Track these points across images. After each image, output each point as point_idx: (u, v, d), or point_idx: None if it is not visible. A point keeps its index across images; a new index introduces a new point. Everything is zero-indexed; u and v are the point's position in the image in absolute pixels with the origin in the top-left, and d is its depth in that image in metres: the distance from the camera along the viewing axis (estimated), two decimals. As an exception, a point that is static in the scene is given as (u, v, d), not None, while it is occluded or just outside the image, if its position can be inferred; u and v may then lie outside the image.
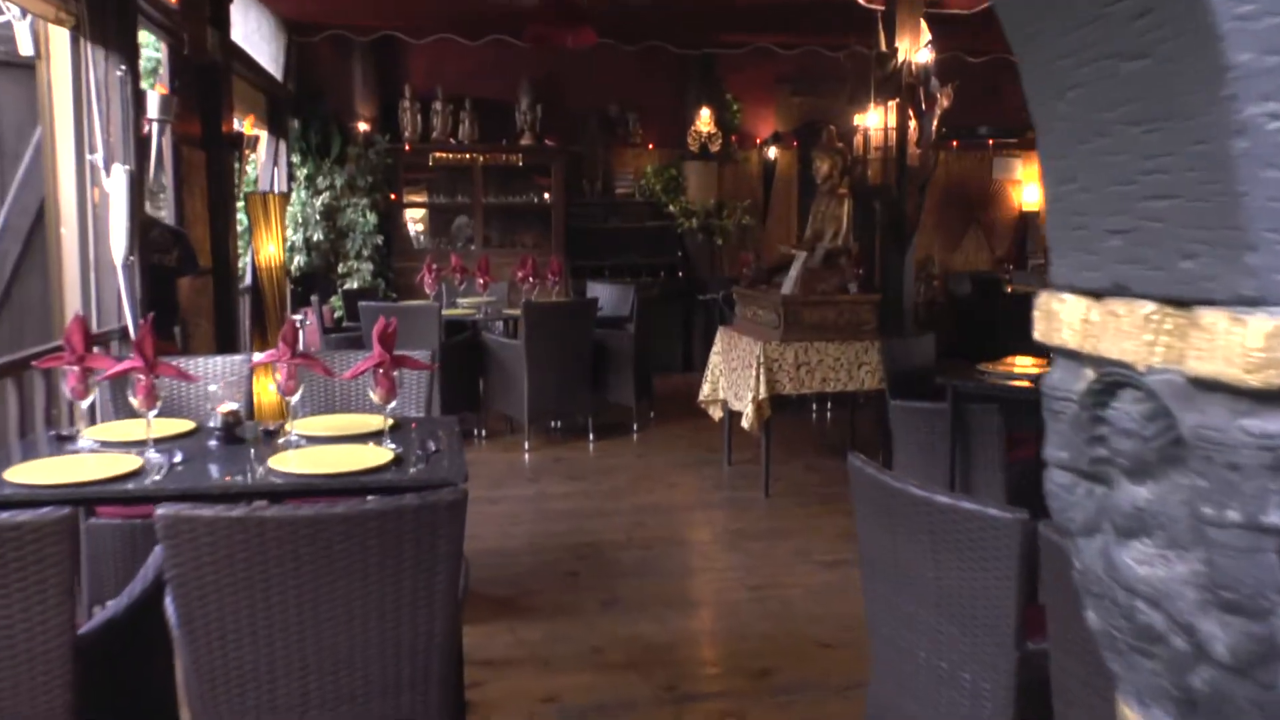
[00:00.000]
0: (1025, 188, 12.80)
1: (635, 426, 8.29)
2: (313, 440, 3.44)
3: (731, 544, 5.60)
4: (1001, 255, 12.69)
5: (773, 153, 11.78)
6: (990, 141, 12.36)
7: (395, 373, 3.28)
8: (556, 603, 4.73)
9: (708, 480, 6.95)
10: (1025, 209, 12.85)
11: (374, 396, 3.28)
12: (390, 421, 3.49)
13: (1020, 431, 5.04)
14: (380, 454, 3.17)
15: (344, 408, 4.27)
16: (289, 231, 10.00)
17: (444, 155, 10.82)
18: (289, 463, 3.07)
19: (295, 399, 3.37)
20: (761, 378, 6.22)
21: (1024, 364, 5.22)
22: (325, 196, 10.23)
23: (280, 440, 3.41)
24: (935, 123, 6.69)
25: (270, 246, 7.75)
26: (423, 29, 10.42)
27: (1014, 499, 4.92)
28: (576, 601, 4.74)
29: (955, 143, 11.62)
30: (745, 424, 6.32)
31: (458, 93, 10.79)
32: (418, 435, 3.50)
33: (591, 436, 7.97)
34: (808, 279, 6.43)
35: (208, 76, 6.53)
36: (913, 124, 6.62)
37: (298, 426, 3.56)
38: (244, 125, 7.84)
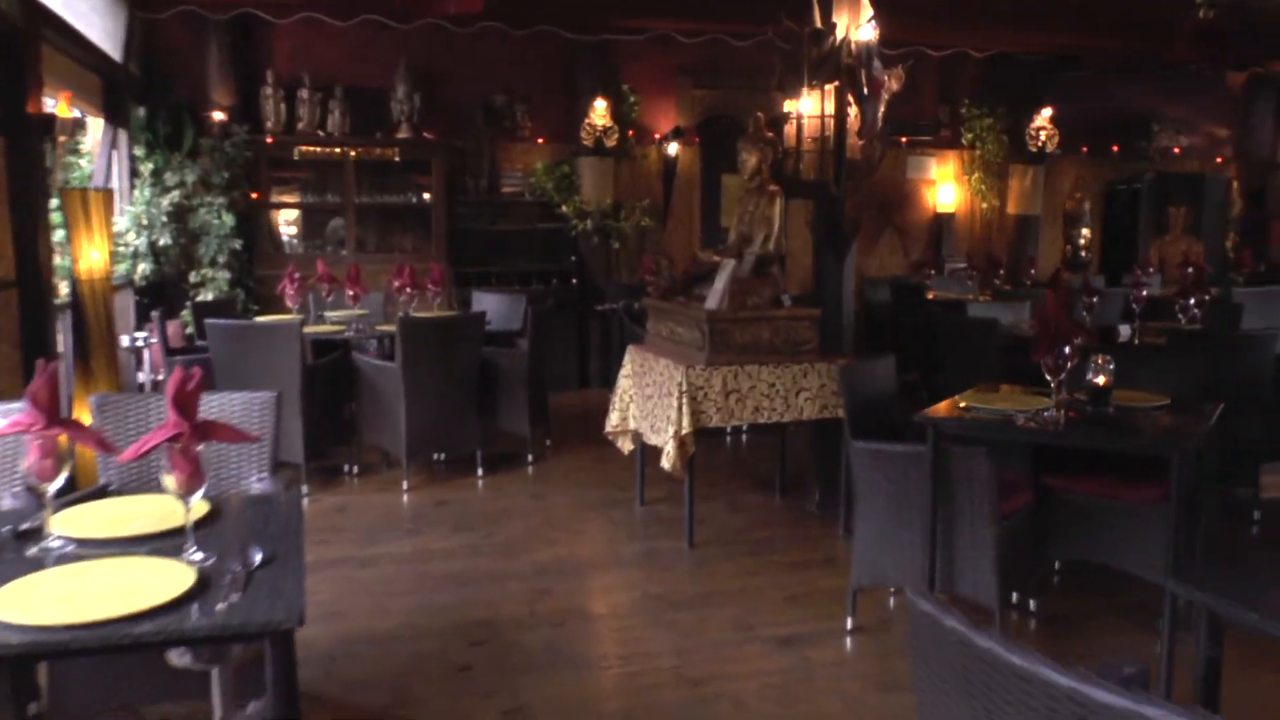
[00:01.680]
0: (940, 188, 12.13)
1: (530, 458, 7.27)
2: (85, 545, 2.36)
3: (657, 615, 4.62)
4: (917, 259, 11.99)
5: (673, 149, 10.85)
6: (903, 140, 11.63)
7: (201, 447, 2.23)
8: (445, 714, 3.70)
9: (619, 527, 5.96)
10: (940, 210, 12.18)
11: (168, 484, 2.22)
12: (200, 512, 2.43)
13: (1006, 473, 4.19)
14: (175, 576, 2.11)
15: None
16: (132, 235, 8.72)
17: (311, 149, 9.63)
18: (28, 602, 1.99)
19: (55, 486, 2.29)
20: (684, 408, 5.27)
21: (1008, 394, 4.36)
22: (175, 195, 8.95)
23: (34, 549, 2.32)
24: (881, 109, 5.84)
25: (94, 253, 6.51)
26: (287, 7, 9.22)
27: (1006, 560, 4.05)
28: (471, 712, 3.71)
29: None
30: (666, 464, 5.35)
31: (326, 79, 9.61)
32: (240, 530, 2.45)
33: (481, 472, 6.92)
34: (736, 291, 5.50)
35: (4, 44, 5.32)
36: (853, 111, 5.74)
37: (67, 522, 2.48)
38: (58, 105, 6.59)
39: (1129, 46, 10.78)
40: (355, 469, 6.98)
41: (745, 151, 5.84)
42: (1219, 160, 12.85)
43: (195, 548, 2.28)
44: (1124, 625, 4.53)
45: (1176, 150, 12.65)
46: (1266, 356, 6.08)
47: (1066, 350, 3.92)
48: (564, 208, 10.24)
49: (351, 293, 7.38)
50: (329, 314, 7.74)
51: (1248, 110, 12.71)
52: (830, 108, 5.80)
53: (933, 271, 10.91)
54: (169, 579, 2.09)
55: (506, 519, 6.03)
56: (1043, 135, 11.74)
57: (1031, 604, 4.64)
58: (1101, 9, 9.14)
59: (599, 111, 10.11)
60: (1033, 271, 10.70)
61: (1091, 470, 4.48)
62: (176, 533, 2.38)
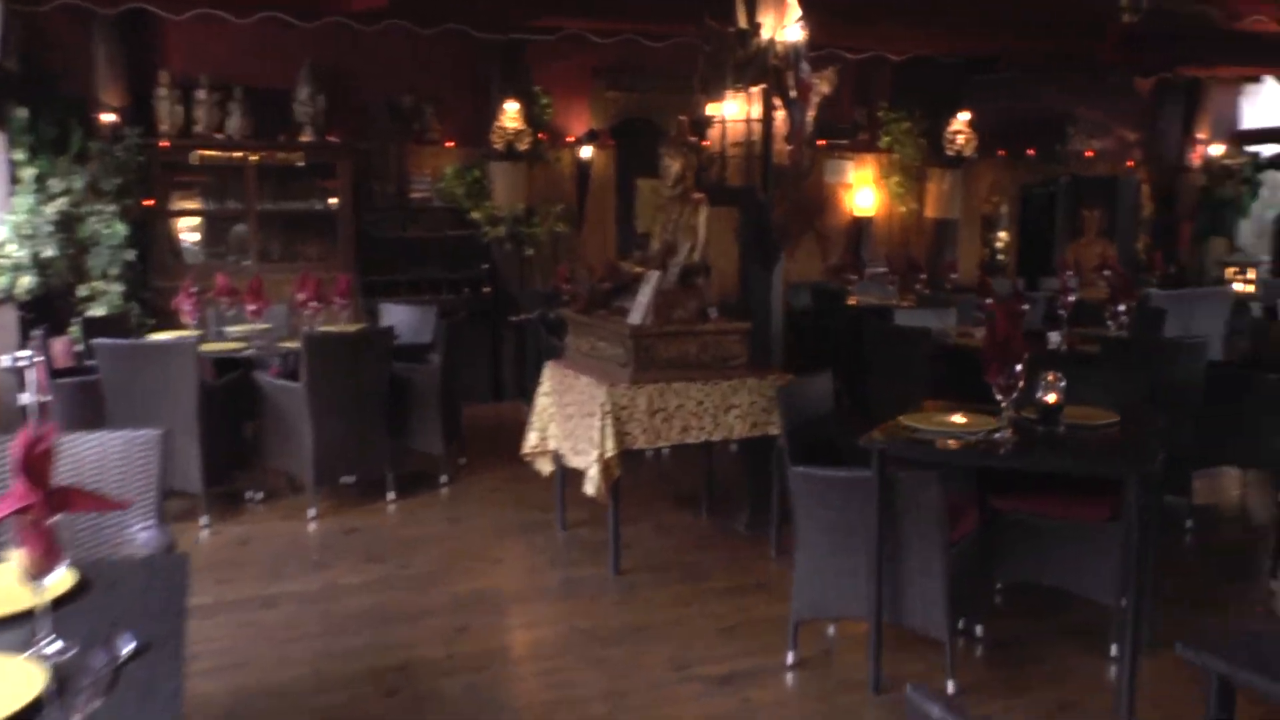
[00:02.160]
0: (858, 192, 12.00)
1: (445, 478, 6.92)
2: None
3: (586, 653, 4.33)
4: (836, 263, 11.85)
5: (587, 152, 10.56)
6: (821, 143, 11.45)
7: (56, 519, 1.88)
8: (355, 779, 3.37)
9: (540, 553, 5.66)
10: (859, 214, 12.05)
11: (16, 564, 1.87)
12: (63, 586, 2.08)
13: (952, 495, 3.98)
14: (20, 679, 1.76)
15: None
16: (13, 247, 8.16)
17: (210, 153, 9.13)
18: None
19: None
20: (608, 430, 4.98)
21: (952, 413, 4.15)
22: (61, 202, 8.39)
23: None
24: (811, 113, 5.61)
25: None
26: (181, 2, 8.71)
27: (955, 589, 3.84)
28: (383, 776, 3.38)
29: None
30: (590, 489, 5.06)
31: (225, 79, 9.11)
32: (112, 606, 2.11)
33: (392, 495, 6.54)
34: (661, 304, 5.23)
35: None
36: (780, 115, 5.51)
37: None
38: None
39: (1045, 50, 10.77)
40: (259, 495, 6.56)
41: (668, 157, 5.58)
42: (1130, 163, 12.93)
43: (52, 636, 1.93)
44: (1073, 648, 4.36)
45: (1089, 154, 12.70)
46: (1198, 363, 5.99)
47: (1018, 368, 3.72)
48: (475, 213, 9.88)
49: (253, 307, 6.95)
50: (229, 329, 7.28)
51: (1156, 114, 12.81)
52: (756, 111, 5.56)
53: (854, 276, 10.75)
54: (12, 684, 1.74)
55: (421, 547, 5.69)
56: (960, 139, 11.67)
57: (978, 629, 4.44)
58: (1017, 12, 9.08)
59: (510, 114, 9.77)
60: (953, 275, 10.62)
61: (1039, 489, 4.30)
62: (29, 616, 2.02)
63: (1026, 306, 6.75)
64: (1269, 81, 12.88)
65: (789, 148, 5.63)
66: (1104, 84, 12.33)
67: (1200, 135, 12.61)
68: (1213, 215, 12.46)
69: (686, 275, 5.41)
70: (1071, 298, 7.17)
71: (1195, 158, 12.53)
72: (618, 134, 10.72)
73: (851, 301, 9.72)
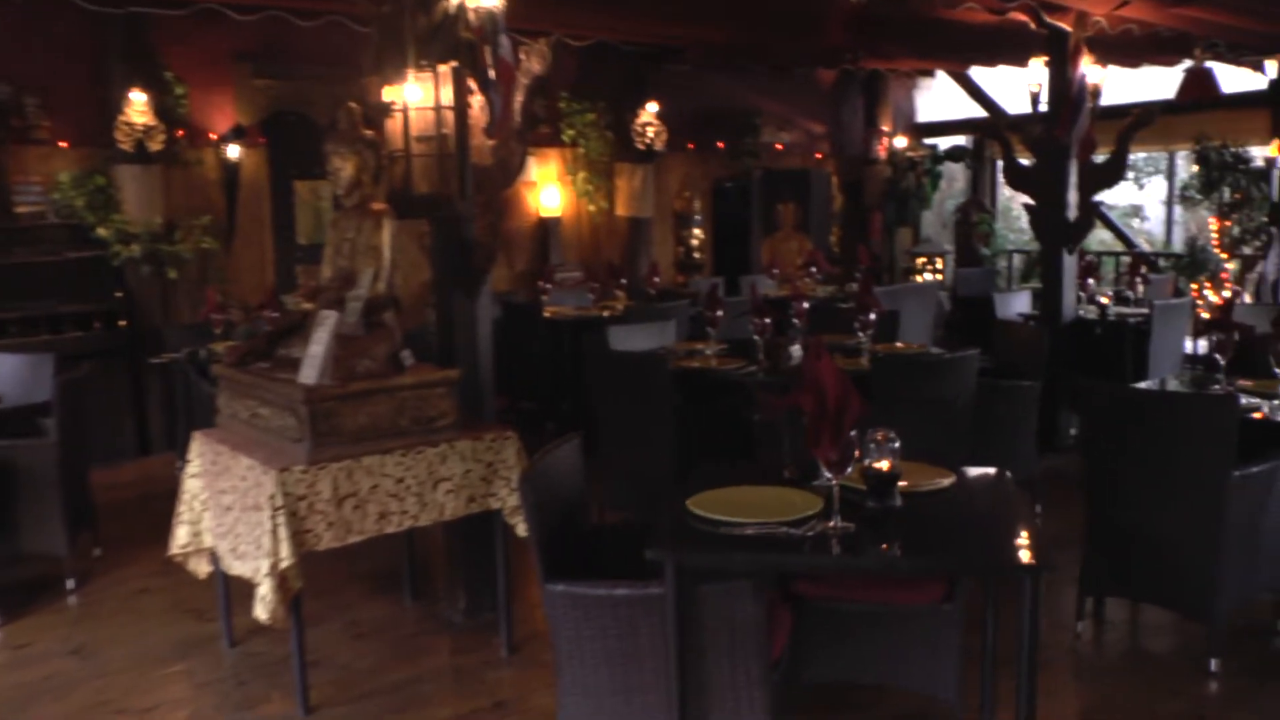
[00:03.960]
0: (543, 190, 10.99)
1: (71, 583, 5.30)
2: None
3: None
4: (524, 269, 10.83)
5: (235, 153, 8.95)
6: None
7: None
8: None
9: (205, 687, 4.24)
10: (545, 214, 11.04)
11: None
12: None
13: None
14: None
15: None
16: None
17: None
18: None
19: None
20: (282, 531, 3.67)
21: (752, 493, 3.14)
22: None
23: None
24: (519, 98, 4.49)
25: None
26: None
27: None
28: None
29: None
30: (262, 613, 3.71)
31: None
32: None
33: (-6, 617, 4.91)
34: (342, 355, 3.95)
35: None
36: (478, 101, 4.36)
37: None
38: None
39: (731, 40, 10.18)
40: None
41: (338, 157, 4.30)
42: (819, 156, 12.68)
43: None
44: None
45: (779, 146, 12.33)
46: (969, 377, 5.37)
47: (854, 432, 2.77)
48: (102, 230, 8.07)
49: None
50: None
51: (839, 107, 12.60)
52: (448, 96, 4.38)
53: (548, 285, 9.69)
54: None
55: (34, 701, 4.13)
56: (650, 131, 10.93)
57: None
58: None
59: (137, 106, 8.05)
60: (656, 279, 9.80)
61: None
62: None
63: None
64: (940, 76, 13.00)
65: (491, 143, 4.48)
66: (788, 77, 11.98)
67: (885, 127, 12.51)
68: (898, 207, 12.38)
69: (372, 311, 4.16)
70: (807, 304, 6.44)
71: (881, 150, 12.41)
72: (269, 130, 9.18)
73: (548, 314, 8.69)
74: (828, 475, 2.80)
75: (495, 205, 4.62)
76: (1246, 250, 10.17)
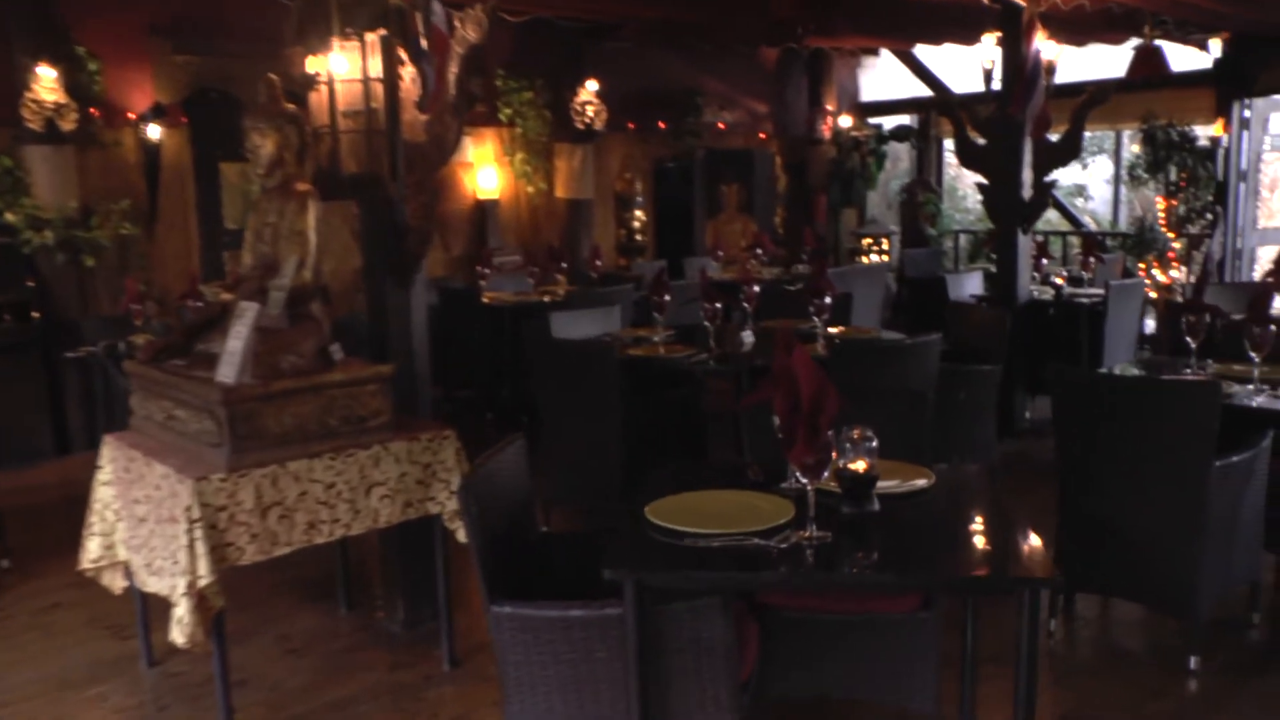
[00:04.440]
0: (479, 171, 10.65)
1: (-27, 598, 4.94)
2: None
3: None
4: (461, 253, 10.48)
5: (155, 133, 8.51)
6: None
7: None
8: None
9: (122, 713, 3.89)
10: (482, 197, 10.70)
11: None
12: None
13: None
14: None
15: None
16: None
17: None
18: None
19: None
20: (200, 546, 3.34)
21: (714, 499, 2.88)
22: None
23: None
24: (454, 69, 4.18)
25: None
26: None
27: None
28: None
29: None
30: (179, 638, 3.38)
31: None
32: None
33: (-117, 641, 4.51)
34: (264, 350, 3.63)
35: None
36: (410, 73, 4.05)
37: None
38: None
39: (670, 17, 9.89)
40: None
41: (258, 134, 3.95)
42: (762, 136, 12.44)
43: None
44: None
45: (722, 126, 12.08)
46: (932, 362, 5.16)
47: (830, 433, 2.51)
48: (10, 216, 7.60)
49: None
50: None
51: (783, 86, 12.36)
52: (376, 68, 4.05)
53: (486, 270, 9.34)
54: None
55: (-82, 733, 3.78)
56: (589, 110, 10.62)
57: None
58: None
59: (46, 82, 7.59)
60: (598, 263, 9.52)
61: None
62: None
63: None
64: (884, 55, 12.80)
65: (423, 117, 4.16)
66: (731, 55, 11.72)
67: (829, 107, 12.30)
68: (843, 187, 12.19)
69: (297, 302, 3.84)
70: (757, 288, 6.20)
71: (825, 129, 12.20)
72: (191, 108, 8.74)
73: (487, 299, 8.37)
74: (802, 480, 2.55)
75: (429, 186, 4.30)
76: (1193, 229, 10.11)
